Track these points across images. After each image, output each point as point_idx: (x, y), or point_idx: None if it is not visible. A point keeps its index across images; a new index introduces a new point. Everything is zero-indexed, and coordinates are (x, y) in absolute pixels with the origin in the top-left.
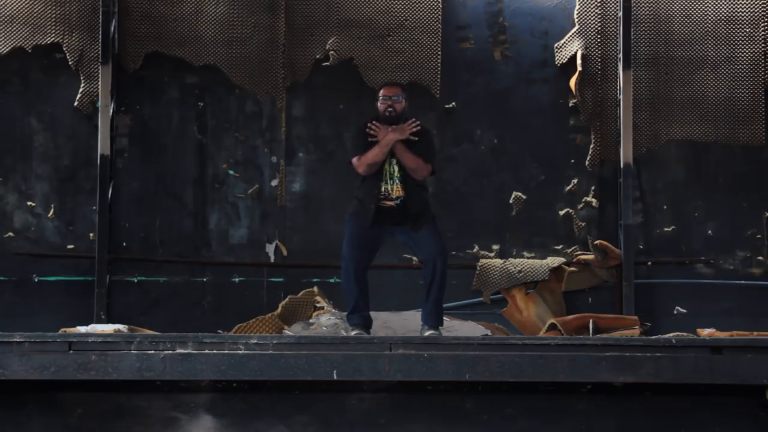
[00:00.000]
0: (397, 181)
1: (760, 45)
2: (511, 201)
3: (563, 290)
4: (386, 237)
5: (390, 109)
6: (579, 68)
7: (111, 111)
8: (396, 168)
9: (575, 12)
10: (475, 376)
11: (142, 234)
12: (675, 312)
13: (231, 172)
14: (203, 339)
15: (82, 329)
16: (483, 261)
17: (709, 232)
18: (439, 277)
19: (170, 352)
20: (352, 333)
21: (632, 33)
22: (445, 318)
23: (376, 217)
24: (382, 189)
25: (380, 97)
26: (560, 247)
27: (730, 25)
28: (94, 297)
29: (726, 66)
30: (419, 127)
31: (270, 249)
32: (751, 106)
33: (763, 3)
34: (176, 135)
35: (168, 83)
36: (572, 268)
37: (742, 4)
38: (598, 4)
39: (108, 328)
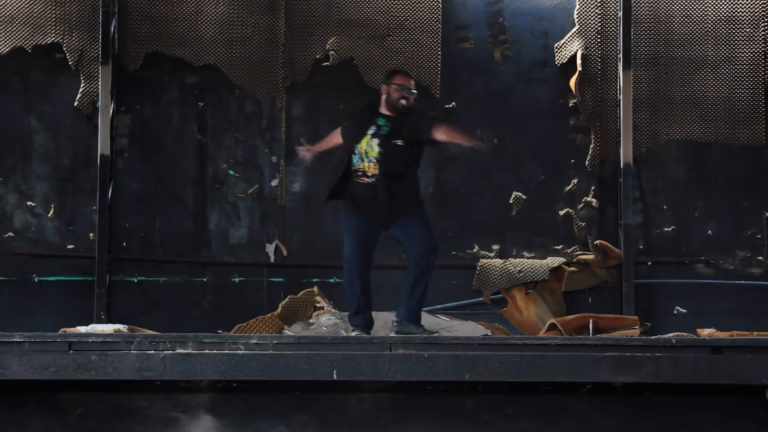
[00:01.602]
0: (374, 161)
1: (760, 45)
2: (511, 201)
3: (563, 290)
4: (381, 231)
5: (405, 100)
6: (579, 68)
7: (111, 111)
8: (376, 149)
9: (575, 12)
10: (475, 376)
11: (142, 234)
12: (675, 312)
13: (231, 172)
14: (203, 339)
15: (82, 329)
16: (483, 261)
17: (709, 232)
18: (429, 275)
19: (170, 352)
20: (353, 333)
21: (632, 33)
22: (444, 318)
23: (361, 203)
24: (358, 165)
25: (396, 85)
26: (560, 247)
27: (730, 25)
28: (94, 297)
29: (726, 66)
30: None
31: (270, 249)
32: (751, 106)
33: (763, 3)
34: (176, 135)
35: (168, 83)
36: (572, 268)
37: (742, 4)
38: (598, 4)
39: (108, 328)
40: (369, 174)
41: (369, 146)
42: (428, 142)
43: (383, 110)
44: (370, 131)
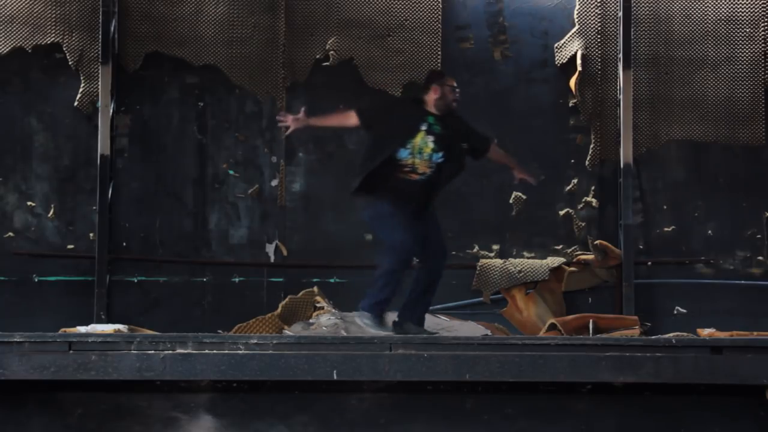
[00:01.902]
0: (427, 158)
1: (760, 45)
2: (511, 201)
3: (563, 290)
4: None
5: (457, 101)
6: (579, 68)
7: (111, 111)
8: (431, 146)
9: (575, 12)
10: (475, 376)
11: (142, 234)
12: (675, 312)
13: (231, 172)
14: (203, 339)
15: (82, 329)
16: (483, 261)
17: (709, 232)
18: (439, 278)
19: (170, 352)
20: (371, 325)
21: (632, 33)
22: (444, 318)
23: (404, 199)
24: (407, 161)
25: (449, 87)
26: (560, 247)
27: (730, 25)
28: (94, 297)
29: (726, 66)
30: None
31: (270, 249)
32: (751, 106)
33: (763, 3)
34: (176, 135)
35: (168, 83)
36: (572, 268)
37: (742, 4)
38: (598, 4)
39: (108, 328)
40: (419, 171)
41: (424, 143)
42: (477, 154)
43: (431, 109)
44: (423, 127)
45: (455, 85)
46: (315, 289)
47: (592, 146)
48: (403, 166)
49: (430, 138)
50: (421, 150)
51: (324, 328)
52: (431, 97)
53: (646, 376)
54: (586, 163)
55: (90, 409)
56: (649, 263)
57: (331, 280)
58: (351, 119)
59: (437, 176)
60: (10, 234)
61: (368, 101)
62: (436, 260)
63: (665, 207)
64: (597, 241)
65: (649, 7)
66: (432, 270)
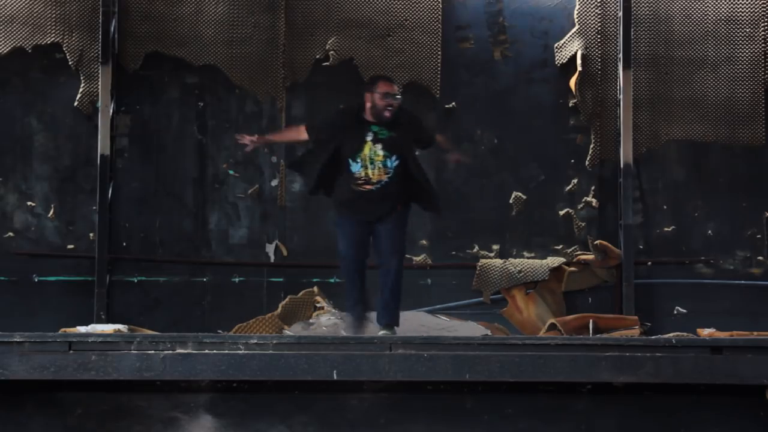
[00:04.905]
0: (381, 166)
1: (760, 45)
2: (511, 201)
3: (563, 290)
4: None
5: (390, 108)
6: (579, 68)
7: (111, 111)
8: (381, 153)
9: (575, 12)
10: (475, 376)
11: (142, 234)
12: (675, 312)
13: (231, 172)
14: (203, 339)
15: (82, 329)
16: (483, 261)
17: (709, 232)
18: (393, 278)
19: (170, 352)
20: (346, 329)
21: (632, 33)
22: (444, 318)
23: (359, 208)
24: (360, 173)
25: (379, 93)
26: (560, 247)
27: (730, 25)
28: (94, 297)
29: (726, 66)
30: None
31: (270, 249)
32: (751, 106)
33: (763, 3)
34: (176, 135)
35: (168, 83)
36: (572, 268)
37: (742, 4)
38: (598, 4)
39: (108, 328)
40: (374, 180)
41: (373, 152)
42: (423, 146)
43: (369, 117)
44: (368, 138)
45: (389, 90)
46: (315, 289)
47: (592, 146)
48: (357, 179)
49: (379, 146)
50: (372, 160)
51: (324, 328)
52: (366, 106)
53: (646, 376)
54: (586, 163)
55: (90, 409)
56: (649, 263)
57: (331, 280)
58: (302, 134)
59: (401, 176)
60: (10, 234)
61: (318, 116)
62: (388, 260)
63: (665, 207)
64: (597, 241)
65: (649, 7)
66: (387, 271)
